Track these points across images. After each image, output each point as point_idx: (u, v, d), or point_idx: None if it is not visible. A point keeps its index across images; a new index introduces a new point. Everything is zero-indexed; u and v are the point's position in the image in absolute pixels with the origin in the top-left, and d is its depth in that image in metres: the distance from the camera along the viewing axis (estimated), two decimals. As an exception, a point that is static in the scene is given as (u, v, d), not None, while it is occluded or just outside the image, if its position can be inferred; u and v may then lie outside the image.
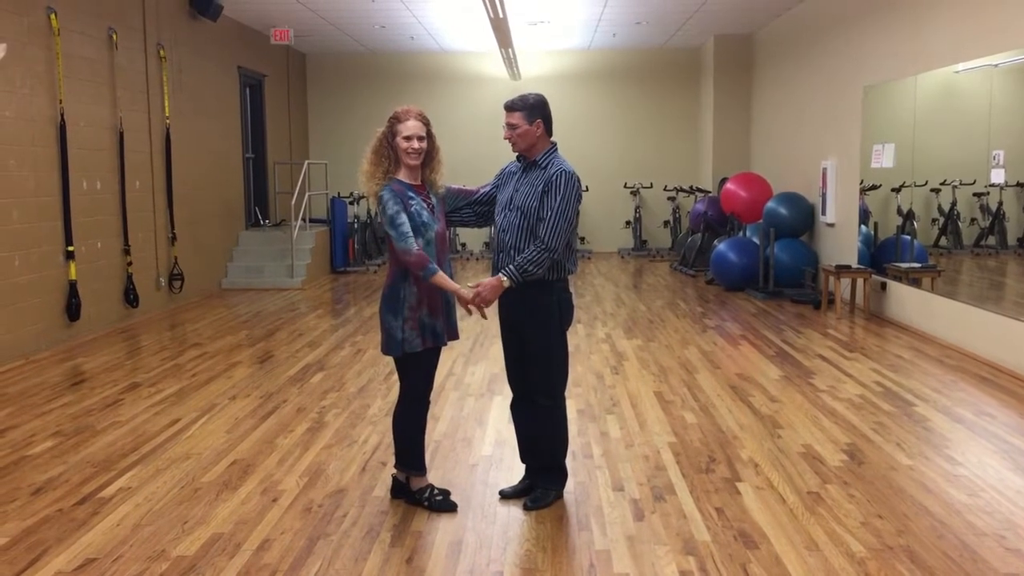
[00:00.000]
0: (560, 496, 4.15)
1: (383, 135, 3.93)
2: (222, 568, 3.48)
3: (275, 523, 3.92)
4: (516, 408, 4.22)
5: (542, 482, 4.13)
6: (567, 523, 3.90)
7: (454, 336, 4.12)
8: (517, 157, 4.10)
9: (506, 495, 4.17)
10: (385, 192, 3.87)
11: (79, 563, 3.55)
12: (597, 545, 3.67)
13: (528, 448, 4.22)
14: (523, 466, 4.28)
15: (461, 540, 3.73)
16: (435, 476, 4.42)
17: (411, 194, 3.90)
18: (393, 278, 3.96)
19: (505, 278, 3.87)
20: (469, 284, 3.93)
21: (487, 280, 3.91)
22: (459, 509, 4.05)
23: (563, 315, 4.05)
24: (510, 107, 3.97)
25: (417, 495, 4.08)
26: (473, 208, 4.22)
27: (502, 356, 4.29)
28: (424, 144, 3.91)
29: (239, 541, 3.74)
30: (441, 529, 3.84)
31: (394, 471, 4.22)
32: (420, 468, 4.12)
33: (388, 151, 3.91)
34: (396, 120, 3.91)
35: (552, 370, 4.06)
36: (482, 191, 4.22)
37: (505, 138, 4.00)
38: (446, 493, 4.11)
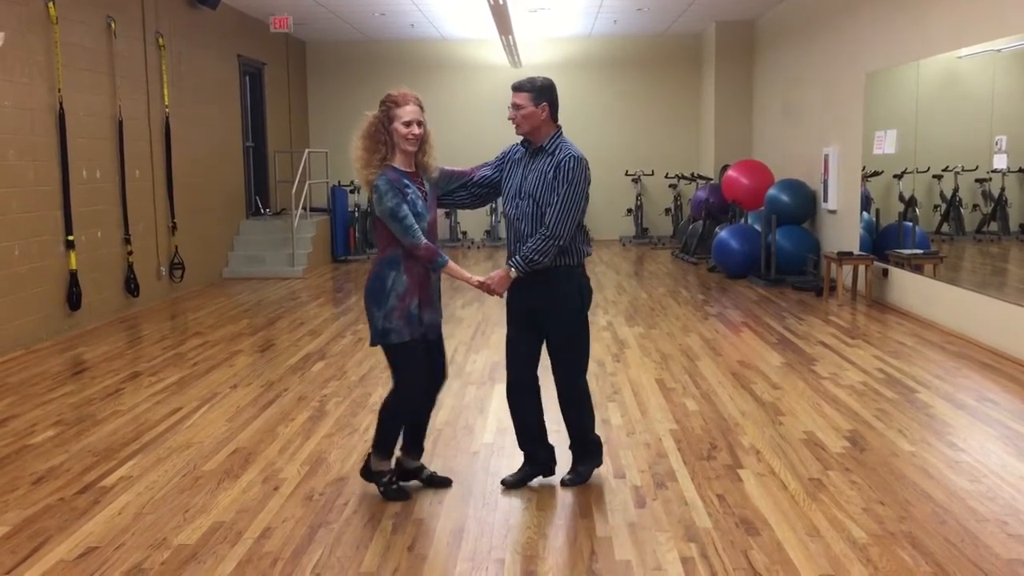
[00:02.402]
0: (600, 464, 4.24)
1: (378, 120, 3.81)
2: (223, 556, 3.49)
3: (276, 511, 3.92)
4: (517, 395, 4.18)
5: (578, 461, 4.19)
6: (568, 510, 3.90)
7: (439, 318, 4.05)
8: (522, 142, 4.06)
9: (508, 484, 4.15)
10: (381, 182, 3.76)
11: (80, 552, 3.55)
12: (598, 532, 3.67)
13: (530, 435, 4.19)
14: (522, 454, 4.25)
15: (462, 527, 3.73)
16: (436, 464, 4.42)
17: (407, 182, 3.81)
18: (380, 267, 3.87)
19: (513, 269, 3.90)
20: (478, 278, 3.93)
21: (495, 272, 3.95)
22: (461, 497, 4.04)
23: (584, 299, 4.12)
24: (518, 87, 3.94)
25: (376, 478, 4.04)
26: (469, 190, 4.16)
27: (503, 344, 4.27)
28: (422, 130, 3.83)
29: (240, 529, 3.74)
30: (443, 516, 3.84)
31: (398, 455, 4.15)
32: (387, 455, 4.06)
33: (384, 136, 3.79)
34: (394, 104, 3.79)
35: (581, 352, 4.13)
36: (480, 173, 4.15)
37: (509, 118, 3.96)
38: (401, 485, 4.05)
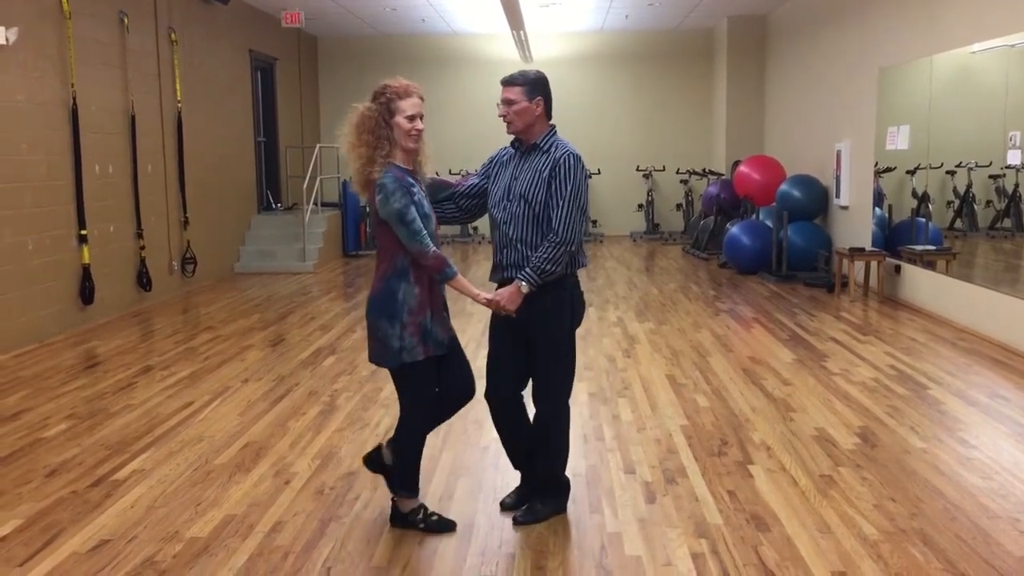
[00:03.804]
0: (563, 511, 3.81)
1: (378, 113, 3.45)
2: (235, 549, 3.50)
3: (287, 505, 3.94)
4: (501, 412, 3.79)
5: (539, 497, 3.79)
6: (578, 505, 3.89)
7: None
8: (512, 142, 3.72)
9: (507, 506, 3.86)
10: (388, 180, 3.38)
11: (93, 544, 3.57)
12: (609, 528, 3.67)
13: (520, 452, 3.86)
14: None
15: (472, 522, 3.74)
16: (446, 459, 4.43)
17: (411, 180, 3.45)
18: (386, 277, 3.48)
19: (524, 283, 3.47)
20: (485, 295, 3.55)
21: (504, 290, 3.53)
22: (471, 491, 4.04)
23: (575, 312, 3.68)
24: (509, 81, 3.59)
25: (410, 517, 3.67)
26: (457, 202, 3.78)
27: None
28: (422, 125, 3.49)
29: (252, 523, 3.76)
30: (453, 512, 3.84)
31: (380, 445, 3.81)
32: (414, 490, 3.69)
33: (387, 131, 3.44)
34: (396, 96, 3.44)
35: (558, 373, 3.68)
36: (468, 183, 3.78)
37: (500, 116, 3.62)
38: (441, 516, 3.71)
